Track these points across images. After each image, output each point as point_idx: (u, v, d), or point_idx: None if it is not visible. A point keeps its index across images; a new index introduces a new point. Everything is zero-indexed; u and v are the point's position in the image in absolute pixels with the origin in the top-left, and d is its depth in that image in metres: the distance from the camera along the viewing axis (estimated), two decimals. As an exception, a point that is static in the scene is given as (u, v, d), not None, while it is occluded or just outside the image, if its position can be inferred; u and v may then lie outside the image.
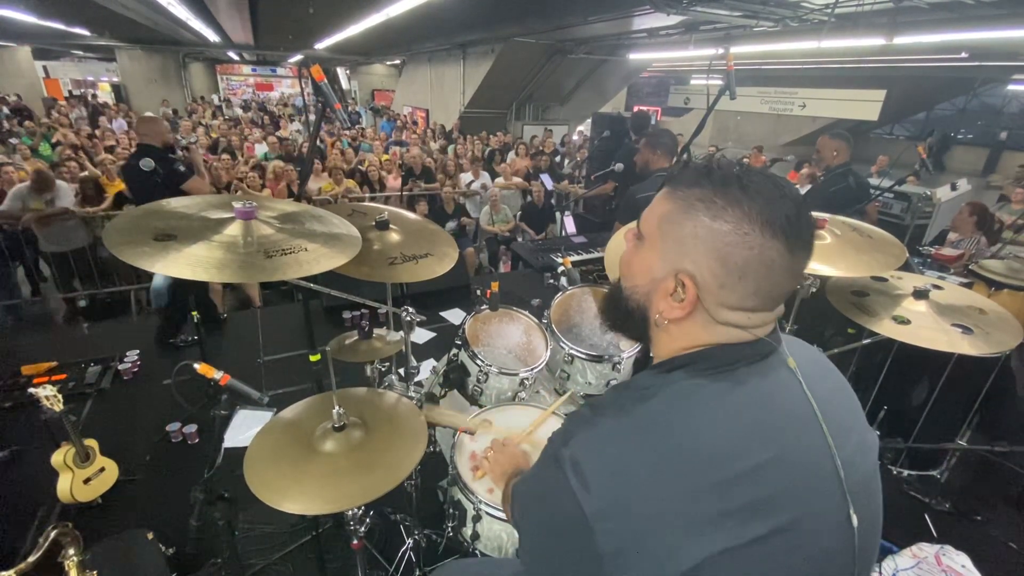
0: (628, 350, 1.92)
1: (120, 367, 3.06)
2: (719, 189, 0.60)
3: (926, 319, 1.90)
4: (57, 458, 2.01)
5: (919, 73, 11.13)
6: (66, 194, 4.48)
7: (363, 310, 3.73)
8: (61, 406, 1.92)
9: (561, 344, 1.91)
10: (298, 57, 16.74)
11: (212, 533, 1.44)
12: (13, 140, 7.64)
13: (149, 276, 4.32)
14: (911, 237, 5.48)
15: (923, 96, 14.31)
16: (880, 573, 1.79)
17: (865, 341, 2.24)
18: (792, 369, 0.63)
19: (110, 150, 7.26)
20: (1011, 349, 1.90)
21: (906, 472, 2.45)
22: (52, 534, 1.31)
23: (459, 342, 1.89)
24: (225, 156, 6.94)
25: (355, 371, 1.94)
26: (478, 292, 2.06)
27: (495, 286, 2.02)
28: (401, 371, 2.16)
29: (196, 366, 1.24)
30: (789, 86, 13.28)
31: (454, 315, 3.92)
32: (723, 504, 0.53)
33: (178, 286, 3.56)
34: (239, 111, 15.66)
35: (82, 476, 2.06)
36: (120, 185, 4.93)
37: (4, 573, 1.27)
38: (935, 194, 5.54)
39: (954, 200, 5.50)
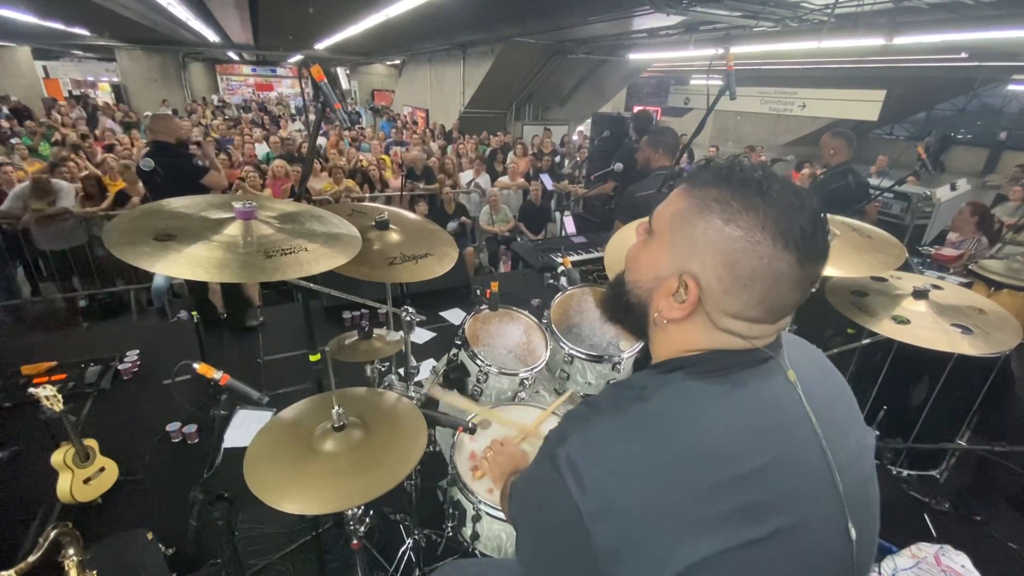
0: (628, 350, 1.92)
1: (120, 367, 3.06)
2: (737, 192, 0.58)
3: (926, 319, 1.90)
4: (57, 458, 2.01)
5: (919, 73, 11.13)
6: (67, 194, 4.48)
7: (363, 310, 3.73)
8: (61, 406, 1.92)
9: (561, 344, 1.91)
10: (298, 57, 16.73)
11: (212, 533, 1.44)
12: (14, 140, 7.63)
13: (149, 276, 4.33)
14: (911, 237, 5.49)
15: (923, 96, 14.31)
16: (880, 573, 1.79)
17: (865, 341, 2.24)
18: (792, 381, 0.62)
19: (110, 149, 7.25)
20: (1011, 349, 1.91)
21: (906, 472, 2.44)
22: (52, 534, 1.31)
23: (459, 342, 1.89)
24: (223, 156, 6.94)
25: (355, 371, 1.94)
26: (478, 292, 2.06)
27: (495, 286, 2.02)
28: (401, 371, 2.16)
29: (196, 366, 1.23)
30: (789, 86, 13.28)
31: (454, 315, 3.92)
32: (719, 506, 0.53)
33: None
34: (239, 111, 15.64)
35: (82, 476, 2.06)
36: (121, 184, 4.93)
37: (4, 573, 1.27)
38: (935, 194, 5.54)
39: (954, 200, 5.50)
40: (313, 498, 1.12)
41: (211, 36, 12.61)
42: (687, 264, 0.61)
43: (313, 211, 1.57)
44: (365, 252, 1.55)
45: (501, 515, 1.34)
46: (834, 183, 3.16)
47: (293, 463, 1.20)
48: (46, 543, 1.30)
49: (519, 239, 5.80)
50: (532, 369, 1.83)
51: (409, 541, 1.85)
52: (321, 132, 8.84)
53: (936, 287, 2.11)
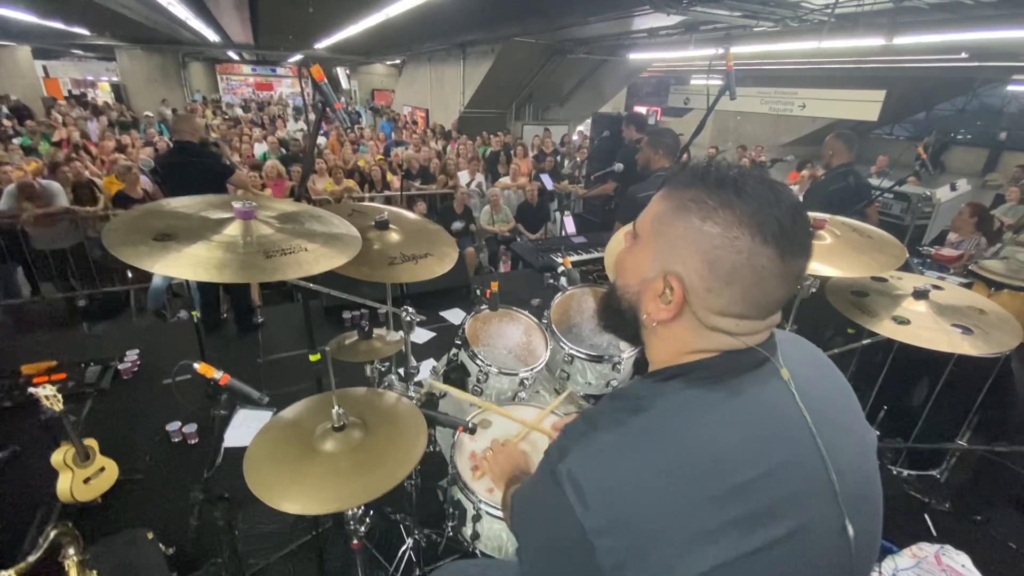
0: (628, 350, 1.92)
1: (120, 367, 3.06)
2: (713, 191, 0.59)
3: (926, 319, 1.90)
4: (57, 458, 2.01)
5: (919, 73, 11.13)
6: (59, 195, 4.47)
7: (363, 310, 3.73)
8: (61, 406, 1.92)
9: (561, 344, 1.91)
10: (298, 57, 16.73)
11: (212, 533, 1.44)
12: (16, 141, 7.63)
13: (148, 275, 4.33)
14: (911, 237, 5.48)
15: (923, 96, 14.31)
16: (880, 573, 1.79)
17: (865, 341, 2.24)
18: (785, 380, 0.62)
19: (121, 149, 7.25)
20: (1011, 349, 1.90)
21: (906, 472, 2.45)
22: (52, 534, 1.31)
23: (459, 342, 1.89)
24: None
25: (355, 371, 1.94)
26: (478, 292, 2.06)
27: (495, 286, 2.02)
28: (401, 371, 2.16)
29: (196, 366, 1.23)
30: (789, 86, 13.28)
31: (454, 315, 3.92)
32: (721, 517, 0.53)
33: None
34: (239, 111, 15.63)
35: (82, 476, 2.06)
36: (121, 184, 4.93)
37: (4, 573, 1.27)
38: (935, 194, 5.54)
39: (954, 200, 5.50)
40: (313, 498, 1.12)
41: (211, 36, 12.61)
42: (670, 265, 0.61)
43: (313, 211, 1.57)
44: (365, 252, 1.55)
45: (501, 515, 1.34)
46: (835, 184, 3.16)
47: (293, 463, 1.20)
48: (46, 543, 1.30)
49: (519, 239, 5.80)
50: (532, 369, 1.83)
51: (409, 541, 1.85)
52: (321, 132, 8.87)
53: (936, 287, 2.11)
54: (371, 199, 6.16)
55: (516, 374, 1.80)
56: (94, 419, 2.71)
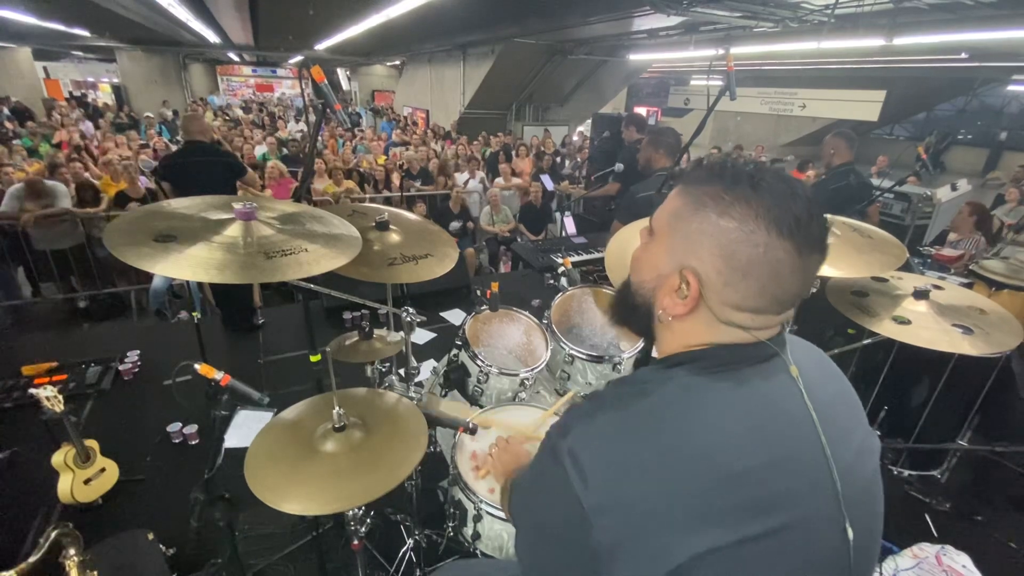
0: (628, 350, 1.92)
1: (120, 367, 3.06)
2: (729, 186, 0.59)
3: (926, 319, 1.90)
4: (57, 458, 2.01)
5: (919, 74, 11.13)
6: (63, 195, 4.48)
7: (363, 311, 3.73)
8: (62, 407, 1.92)
9: (561, 344, 1.91)
10: (298, 58, 16.74)
11: (212, 533, 1.44)
12: (16, 142, 7.63)
13: (149, 276, 4.34)
14: (911, 237, 5.49)
15: (923, 97, 14.31)
16: (881, 573, 1.79)
17: (865, 341, 2.24)
18: (793, 377, 0.62)
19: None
20: (1011, 349, 1.90)
21: (907, 472, 2.44)
22: (53, 534, 1.31)
23: (459, 342, 1.89)
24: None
25: (355, 371, 1.94)
26: (478, 292, 2.06)
27: (495, 286, 2.02)
28: (401, 371, 2.16)
29: (196, 366, 1.23)
30: (789, 87, 13.25)
31: (454, 315, 3.92)
32: (718, 502, 0.53)
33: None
34: (240, 112, 15.64)
35: (82, 476, 2.06)
36: (122, 185, 4.93)
37: (5, 573, 1.27)
38: (935, 194, 5.55)
39: (954, 200, 5.50)
40: (314, 499, 1.12)
41: (211, 37, 12.62)
42: (687, 260, 0.62)
43: (313, 212, 1.57)
44: (365, 253, 1.55)
45: (502, 515, 1.34)
46: (835, 183, 3.16)
47: (294, 464, 1.20)
48: (47, 543, 1.29)
49: (519, 239, 5.79)
50: (533, 369, 1.83)
51: (410, 541, 1.85)
52: (321, 133, 8.88)
53: (937, 287, 2.11)
54: (371, 200, 6.17)
55: (517, 374, 1.80)
56: (95, 420, 2.71)
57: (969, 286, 2.90)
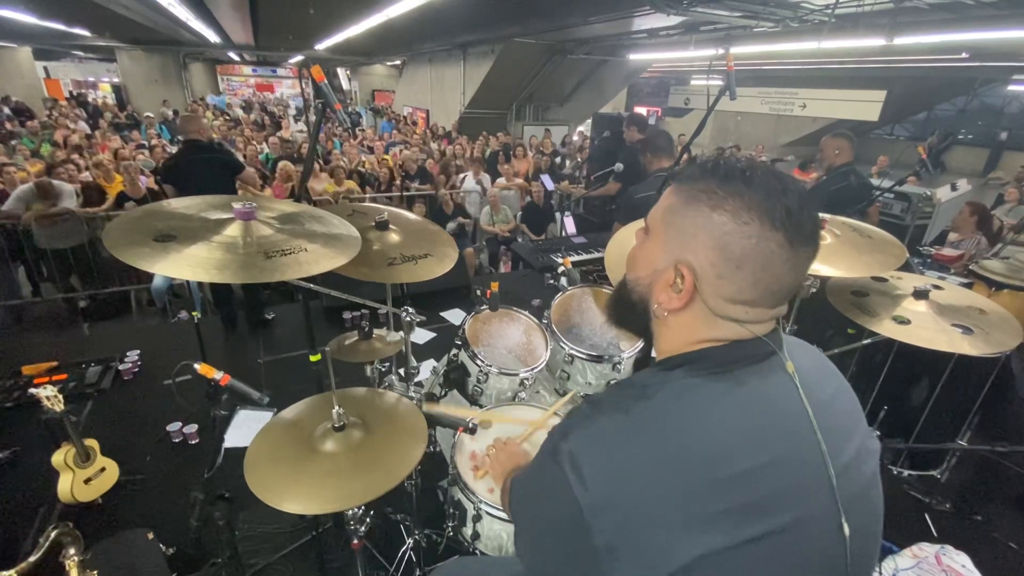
0: (628, 350, 1.92)
1: (120, 367, 3.06)
2: (722, 181, 0.60)
3: (926, 319, 1.90)
4: (58, 458, 2.01)
5: (919, 73, 11.13)
6: (68, 195, 4.49)
7: (363, 310, 3.73)
8: (62, 406, 1.92)
9: (561, 344, 1.91)
10: (298, 58, 16.74)
11: (212, 533, 1.44)
12: (15, 142, 7.64)
13: (149, 276, 4.34)
14: (911, 237, 5.48)
15: (923, 96, 14.30)
16: (880, 573, 1.79)
17: (865, 341, 2.24)
18: (790, 374, 0.62)
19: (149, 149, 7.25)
20: (1011, 349, 1.90)
21: (906, 472, 2.44)
22: (53, 534, 1.31)
23: (459, 342, 1.89)
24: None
25: (355, 371, 1.94)
26: (478, 292, 2.06)
27: (495, 286, 2.02)
28: (401, 371, 2.17)
29: (196, 366, 1.23)
30: (789, 86, 13.25)
31: (454, 315, 3.92)
32: (718, 504, 0.54)
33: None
34: (239, 112, 15.64)
35: (83, 476, 2.06)
36: (121, 185, 4.94)
37: (5, 573, 1.27)
38: (935, 194, 5.54)
39: (954, 200, 5.50)
40: (313, 498, 1.12)
41: (211, 36, 12.62)
42: (681, 254, 0.63)
43: (313, 212, 1.57)
44: (365, 252, 1.55)
45: (502, 515, 1.34)
46: (836, 184, 3.15)
47: (293, 463, 1.20)
48: (47, 543, 1.30)
49: (519, 239, 5.79)
50: (532, 369, 1.83)
51: (410, 541, 1.85)
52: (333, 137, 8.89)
53: (936, 287, 2.11)
54: (372, 200, 6.17)
55: (516, 374, 1.80)
56: (95, 419, 2.71)
57: (969, 286, 2.90)
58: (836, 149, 3.19)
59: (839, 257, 1.83)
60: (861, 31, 5.12)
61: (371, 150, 8.78)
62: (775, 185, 0.59)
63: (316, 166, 6.25)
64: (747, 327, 0.62)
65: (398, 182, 6.58)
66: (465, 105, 11.19)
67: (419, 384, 2.08)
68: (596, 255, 3.77)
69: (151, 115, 11.82)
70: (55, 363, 3.07)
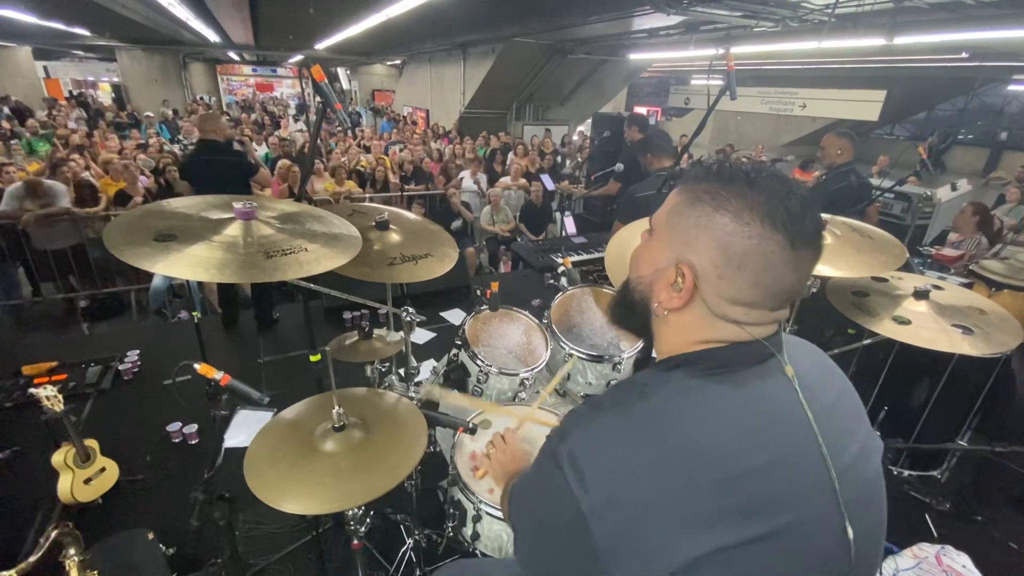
0: (628, 350, 1.92)
1: (120, 367, 3.06)
2: (726, 183, 0.61)
3: (926, 319, 1.90)
4: (57, 458, 2.01)
5: (919, 73, 11.12)
6: (62, 195, 4.48)
7: (363, 310, 3.73)
8: (61, 406, 1.92)
9: (561, 344, 1.91)
10: (298, 57, 16.74)
11: (212, 533, 1.44)
12: (14, 141, 7.63)
13: (149, 276, 4.34)
14: (911, 237, 5.48)
15: (923, 96, 14.30)
16: (881, 573, 1.79)
17: (866, 341, 2.24)
18: (789, 377, 0.63)
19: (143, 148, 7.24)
20: (1011, 349, 1.90)
21: (907, 472, 2.44)
22: (53, 534, 1.31)
23: (459, 342, 1.89)
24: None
25: (355, 371, 1.94)
26: (478, 292, 2.06)
27: (495, 286, 2.02)
28: (401, 371, 2.16)
29: (196, 366, 1.23)
30: (789, 86, 13.27)
31: (454, 315, 3.92)
32: (717, 504, 0.54)
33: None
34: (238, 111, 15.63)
35: (82, 476, 2.06)
36: (121, 184, 4.93)
37: (5, 573, 1.27)
38: (935, 194, 5.54)
39: (954, 200, 5.50)
40: (313, 498, 1.12)
41: (211, 36, 12.61)
42: (683, 254, 0.63)
43: (313, 211, 1.57)
44: (365, 252, 1.55)
45: (501, 515, 1.34)
46: (836, 183, 3.15)
47: (293, 463, 1.20)
48: (47, 543, 1.30)
49: (519, 239, 5.79)
50: (532, 369, 1.83)
51: (410, 541, 1.85)
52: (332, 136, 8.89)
53: (937, 287, 2.11)
54: (371, 200, 6.17)
55: (516, 374, 1.80)
56: (95, 419, 2.71)
57: (969, 286, 2.90)
58: (839, 149, 3.17)
59: (839, 257, 1.83)
60: (861, 31, 5.12)
61: (368, 149, 8.78)
62: (778, 188, 0.59)
63: (320, 165, 6.26)
64: (747, 329, 0.62)
65: (396, 180, 6.58)
66: (465, 105, 11.19)
67: (419, 384, 2.08)
68: (596, 255, 3.76)
69: (151, 115, 11.81)
70: (55, 363, 3.06)
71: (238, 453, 1.18)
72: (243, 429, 2.52)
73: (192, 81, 17.19)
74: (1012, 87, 13.90)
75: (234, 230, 1.31)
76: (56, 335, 4.15)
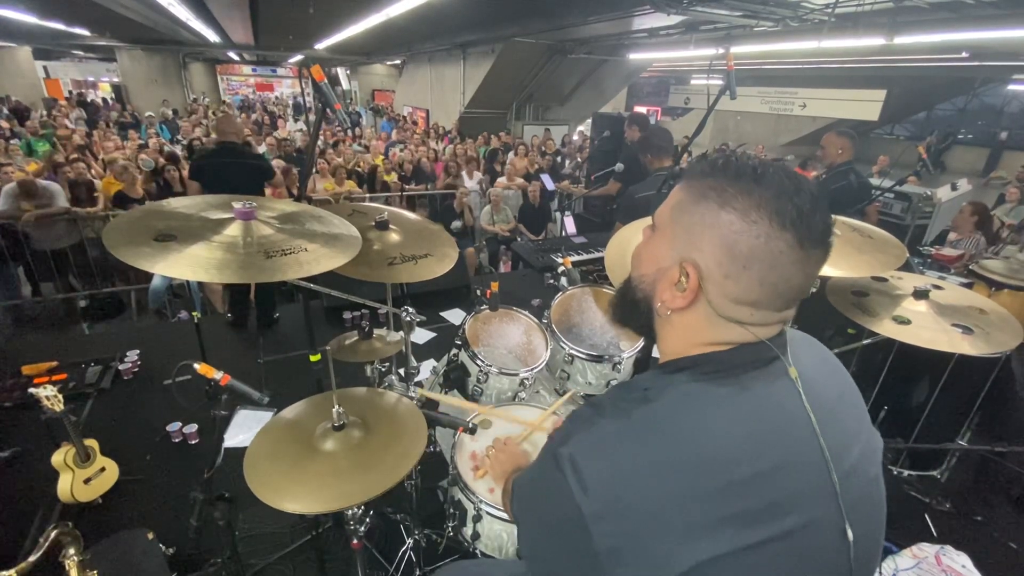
0: (628, 350, 1.92)
1: (120, 367, 3.06)
2: (732, 179, 0.59)
3: (926, 319, 1.90)
4: (57, 458, 2.01)
5: (919, 73, 11.12)
6: (58, 195, 4.48)
7: (363, 310, 3.73)
8: (61, 406, 1.92)
9: (561, 344, 1.91)
10: (298, 57, 16.74)
11: (212, 533, 1.44)
12: (13, 142, 7.63)
13: (149, 276, 4.34)
14: (911, 237, 5.49)
15: (923, 96, 14.30)
16: (880, 573, 1.79)
17: (865, 341, 2.24)
18: (792, 379, 0.62)
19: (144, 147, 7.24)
20: (1011, 349, 1.90)
21: (906, 472, 2.44)
22: (53, 534, 1.31)
23: (459, 342, 1.89)
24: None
25: (355, 371, 1.94)
26: (478, 292, 2.06)
27: (495, 286, 2.02)
28: (401, 371, 2.16)
29: (196, 366, 1.24)
30: (789, 86, 13.27)
31: (454, 315, 3.92)
32: (720, 510, 0.53)
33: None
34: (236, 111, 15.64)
35: (82, 476, 2.06)
36: (120, 184, 4.93)
37: (5, 573, 1.27)
38: (935, 194, 5.54)
39: (954, 200, 5.50)
40: (313, 498, 1.12)
41: (211, 36, 12.62)
42: (687, 252, 0.61)
43: (313, 211, 1.57)
44: (365, 252, 1.55)
45: (502, 515, 1.34)
46: (836, 183, 3.15)
47: (293, 463, 1.20)
48: (47, 543, 1.29)
49: (519, 239, 5.79)
50: (532, 369, 1.83)
51: (409, 541, 1.85)
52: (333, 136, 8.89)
53: (937, 287, 2.11)
54: (371, 199, 6.17)
55: (516, 374, 1.80)
56: (94, 419, 2.71)
57: (969, 286, 2.90)
58: (839, 148, 3.17)
59: (839, 257, 1.83)
60: (861, 30, 5.12)
61: (367, 149, 8.78)
62: (787, 184, 0.57)
63: (324, 165, 6.25)
64: (752, 330, 0.61)
65: (395, 180, 6.58)
66: (465, 105, 11.19)
67: (419, 384, 2.08)
68: (596, 255, 3.77)
69: (152, 115, 11.81)
70: (55, 363, 3.06)
71: (238, 453, 1.18)
72: (243, 429, 2.52)
73: (192, 81, 17.19)
74: (1012, 87, 13.90)
75: (234, 230, 1.31)
76: (56, 335, 4.14)
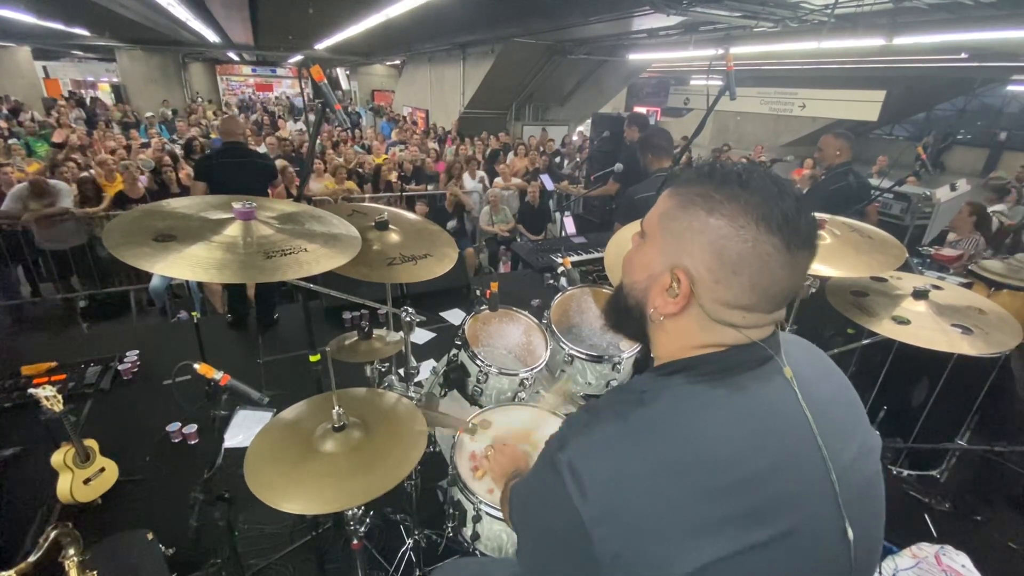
0: (628, 350, 1.92)
1: (120, 367, 3.06)
2: (718, 185, 0.60)
3: (926, 319, 1.90)
4: (57, 458, 2.01)
5: (919, 73, 11.12)
6: (65, 194, 4.48)
7: (363, 310, 3.74)
8: (61, 406, 1.92)
9: (561, 344, 1.91)
10: (298, 57, 16.74)
11: (212, 533, 1.44)
12: (12, 141, 7.63)
13: (149, 276, 4.34)
14: (911, 237, 5.48)
15: (923, 96, 14.30)
16: (880, 573, 1.79)
17: (865, 341, 2.24)
18: (788, 379, 0.62)
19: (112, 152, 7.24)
20: (1011, 349, 1.90)
21: (906, 472, 2.45)
22: (52, 534, 1.31)
23: (459, 342, 1.89)
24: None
25: (355, 371, 1.94)
26: (478, 292, 2.06)
27: (495, 286, 2.02)
28: (401, 371, 2.16)
29: (196, 366, 1.24)
30: (789, 86, 13.28)
31: (454, 315, 3.92)
32: (720, 511, 0.53)
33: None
34: (236, 111, 15.63)
35: (82, 476, 2.06)
36: (120, 185, 4.93)
37: (4, 573, 1.27)
38: (935, 194, 5.54)
39: (954, 200, 5.49)
40: (313, 498, 1.12)
41: (211, 36, 12.60)
42: (678, 259, 0.62)
43: (313, 211, 1.57)
44: (365, 252, 1.55)
45: (501, 515, 1.34)
46: (835, 183, 3.16)
47: (293, 463, 1.20)
48: (46, 543, 1.30)
49: (519, 239, 5.79)
50: (532, 369, 1.83)
51: (409, 541, 1.85)
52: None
53: (936, 287, 2.11)
54: (371, 199, 6.17)
55: (516, 374, 1.80)
56: (94, 420, 2.71)
57: (968, 286, 2.90)
58: (837, 149, 3.18)
59: (839, 257, 1.83)
60: (860, 31, 5.13)
61: (368, 149, 8.77)
62: (772, 189, 0.59)
63: (321, 165, 6.25)
64: (744, 332, 0.62)
65: (395, 179, 6.57)
66: (465, 105, 11.18)
67: (419, 384, 2.08)
68: (596, 255, 3.76)
69: (152, 115, 11.81)
70: (54, 363, 3.06)
71: (238, 453, 1.18)
72: (243, 429, 2.52)
73: (192, 81, 17.19)
74: (1011, 87, 13.90)
75: (234, 230, 1.31)
76: (55, 335, 4.14)
